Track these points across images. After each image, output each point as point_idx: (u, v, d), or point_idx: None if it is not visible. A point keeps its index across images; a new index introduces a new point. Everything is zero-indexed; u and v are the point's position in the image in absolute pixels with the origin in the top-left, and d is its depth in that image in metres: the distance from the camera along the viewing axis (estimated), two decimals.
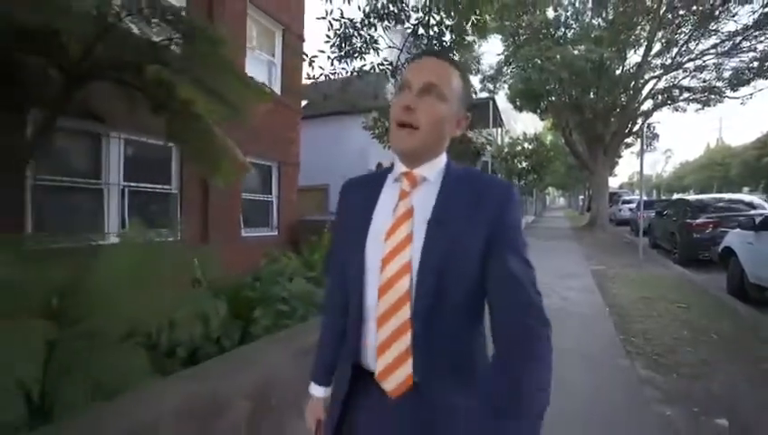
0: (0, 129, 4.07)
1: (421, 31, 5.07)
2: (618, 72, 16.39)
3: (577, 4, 16.21)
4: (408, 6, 4.99)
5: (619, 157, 30.07)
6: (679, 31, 14.95)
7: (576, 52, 14.57)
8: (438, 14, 4.93)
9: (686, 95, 16.58)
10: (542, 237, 14.28)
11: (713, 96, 16.08)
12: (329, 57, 5.13)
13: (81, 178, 5.12)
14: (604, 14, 16.05)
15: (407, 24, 5.17)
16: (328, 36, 5.02)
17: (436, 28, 5.04)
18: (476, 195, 0.84)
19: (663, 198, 35.11)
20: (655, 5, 14.53)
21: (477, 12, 4.96)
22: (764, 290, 5.22)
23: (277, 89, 8.59)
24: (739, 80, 14.95)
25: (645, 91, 16.82)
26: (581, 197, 46.06)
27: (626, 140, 20.69)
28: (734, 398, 2.80)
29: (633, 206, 17.59)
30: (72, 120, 4.52)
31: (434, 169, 0.90)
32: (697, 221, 8.47)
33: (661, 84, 16.65)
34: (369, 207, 0.92)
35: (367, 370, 0.89)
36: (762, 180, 42.65)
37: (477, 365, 0.86)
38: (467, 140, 11.13)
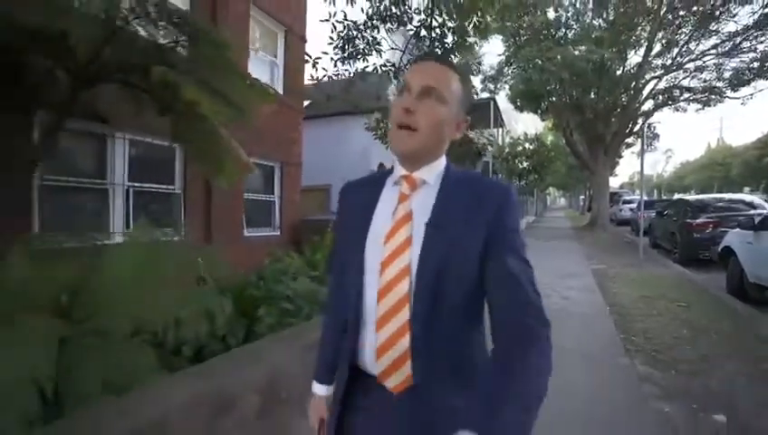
0: (7, 130, 4.12)
1: (423, 33, 5.12)
2: (618, 72, 16.43)
3: (578, 5, 16.24)
4: (410, 9, 5.03)
5: (620, 157, 30.16)
6: (680, 31, 15.00)
7: (577, 52, 14.61)
8: (441, 16, 4.98)
9: (686, 95, 16.63)
10: (543, 237, 14.32)
11: (713, 96, 16.13)
12: (332, 59, 5.18)
13: (87, 179, 5.18)
14: (605, 15, 16.09)
15: (409, 26, 5.22)
16: (331, 38, 5.07)
17: (438, 30, 5.09)
18: (476, 198, 0.85)
19: (664, 198, 35.09)
20: (655, 6, 14.57)
21: (479, 14, 5.01)
22: (764, 289, 5.26)
23: (280, 89, 8.63)
24: (739, 80, 15.00)
25: (645, 92, 16.87)
26: (582, 197, 46.07)
27: (626, 140, 20.75)
28: (732, 395, 2.84)
29: (634, 206, 17.61)
30: (77, 122, 4.57)
31: (433, 172, 0.90)
32: (697, 221, 8.51)
33: (662, 85, 16.72)
34: (368, 209, 0.93)
35: (364, 371, 0.90)
36: (763, 180, 42.61)
37: (478, 366, 0.86)
38: (469, 141, 11.16)
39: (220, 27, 5.85)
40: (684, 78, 16.27)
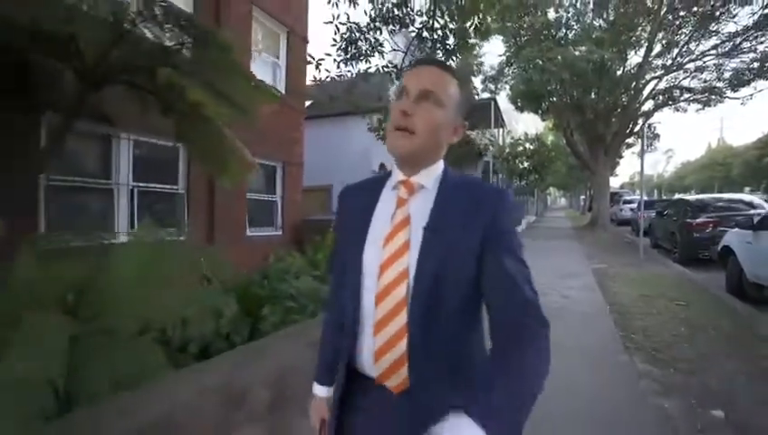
0: (15, 131, 4.18)
1: (425, 34, 5.18)
2: (619, 72, 16.48)
3: (578, 6, 16.28)
4: (412, 11, 5.08)
5: (621, 157, 30.19)
6: (680, 32, 15.06)
7: (577, 53, 14.68)
8: (442, 17, 5.03)
9: (686, 96, 16.69)
10: (544, 237, 14.37)
11: (713, 97, 16.19)
12: (335, 60, 5.24)
13: (92, 179, 5.23)
14: (605, 16, 16.14)
15: (411, 28, 5.27)
16: (334, 40, 5.12)
17: (440, 32, 5.14)
18: (474, 202, 0.85)
19: (664, 198, 35.12)
20: (655, 7, 14.62)
21: (480, 15, 5.06)
22: (762, 288, 5.30)
23: (282, 90, 8.68)
24: (739, 80, 15.06)
25: (646, 92, 16.93)
26: (583, 197, 46.10)
27: (627, 141, 20.80)
28: (731, 392, 2.88)
29: (634, 206, 17.62)
30: (84, 123, 4.61)
31: (431, 176, 0.90)
32: (697, 221, 8.54)
33: (662, 85, 16.79)
34: (367, 212, 0.93)
35: (363, 373, 0.90)
36: (763, 180, 42.60)
37: (477, 365, 0.87)
38: (470, 142, 11.21)
39: (223, 28, 5.90)
40: (684, 78, 16.35)
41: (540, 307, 0.79)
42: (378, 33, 5.16)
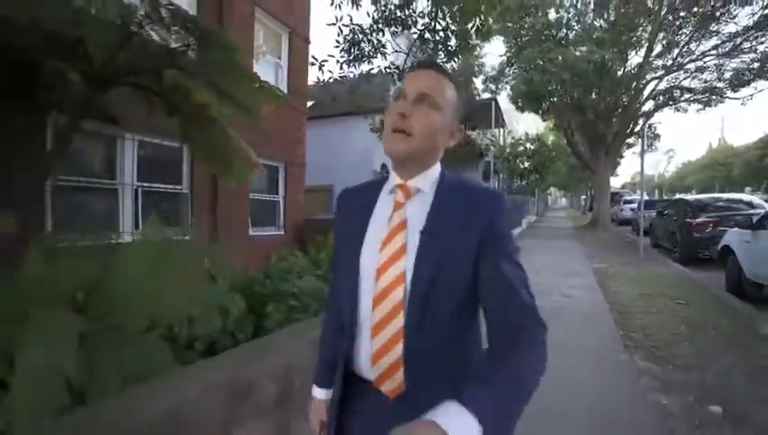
0: (23, 132, 4.23)
1: (427, 36, 5.22)
2: (619, 73, 16.51)
3: (579, 6, 16.33)
4: (414, 12, 5.13)
5: (621, 157, 30.21)
6: (680, 32, 15.09)
7: (578, 53, 14.72)
8: (444, 19, 5.08)
9: (687, 96, 16.70)
10: (545, 237, 14.40)
11: (714, 97, 16.20)
12: (338, 61, 5.30)
13: (97, 179, 5.29)
14: (605, 16, 16.18)
15: (413, 30, 5.32)
16: (337, 41, 5.17)
17: (441, 33, 5.19)
18: (471, 205, 0.86)
19: (665, 197, 35.14)
20: (656, 7, 14.67)
21: (481, 16, 5.10)
22: (761, 287, 5.34)
23: (284, 90, 8.73)
24: (740, 80, 15.08)
25: (646, 92, 16.97)
26: (583, 197, 46.13)
27: (627, 141, 20.84)
28: (730, 389, 2.92)
29: (635, 206, 17.65)
30: (89, 123, 4.67)
31: (428, 180, 0.91)
32: (697, 220, 8.58)
33: (662, 85, 16.82)
34: (364, 215, 0.94)
35: (360, 376, 0.91)
36: (764, 180, 42.63)
37: (474, 364, 0.87)
38: (471, 142, 11.24)
39: (226, 29, 5.95)
40: (684, 78, 16.38)
41: (537, 310, 0.78)
42: (380, 34, 5.22)
